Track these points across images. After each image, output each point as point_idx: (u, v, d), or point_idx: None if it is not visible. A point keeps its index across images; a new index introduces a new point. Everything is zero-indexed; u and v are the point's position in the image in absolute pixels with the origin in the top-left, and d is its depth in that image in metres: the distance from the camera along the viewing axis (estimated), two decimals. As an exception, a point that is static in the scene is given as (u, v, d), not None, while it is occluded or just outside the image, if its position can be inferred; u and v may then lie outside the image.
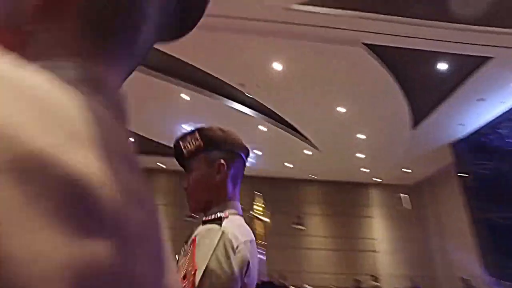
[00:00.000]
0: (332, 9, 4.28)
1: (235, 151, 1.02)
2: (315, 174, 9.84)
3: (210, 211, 0.96)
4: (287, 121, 7.06)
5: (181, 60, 5.39)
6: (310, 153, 8.23)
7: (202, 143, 0.98)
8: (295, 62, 5.32)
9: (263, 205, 5.68)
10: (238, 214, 1.00)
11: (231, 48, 5.05)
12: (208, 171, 0.97)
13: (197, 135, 0.99)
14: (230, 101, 6.54)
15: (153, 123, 7.59)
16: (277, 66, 5.37)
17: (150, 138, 8.37)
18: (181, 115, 7.13)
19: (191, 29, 0.48)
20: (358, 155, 8.28)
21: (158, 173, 10.47)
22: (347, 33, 4.54)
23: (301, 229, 9.63)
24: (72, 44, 0.29)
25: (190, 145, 1.00)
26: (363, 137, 7.39)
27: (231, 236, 0.84)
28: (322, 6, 4.31)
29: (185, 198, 1.03)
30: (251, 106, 6.70)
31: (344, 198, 10.16)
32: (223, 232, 0.85)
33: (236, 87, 6.01)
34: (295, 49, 5.03)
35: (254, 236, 1.04)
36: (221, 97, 6.44)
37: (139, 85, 6.09)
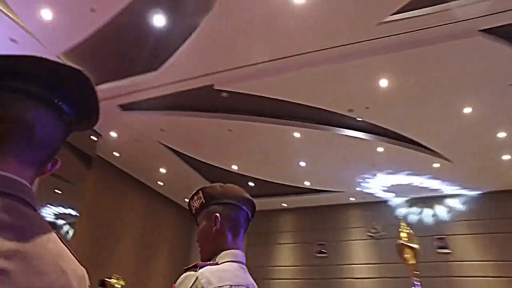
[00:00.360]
0: (431, 7, 4.05)
1: (233, 203, 1.10)
2: (451, 189, 8.69)
3: (212, 260, 1.04)
4: (405, 137, 6.59)
5: (288, 101, 5.72)
6: (438, 165, 7.39)
7: (204, 200, 1.11)
8: (402, 74, 5.06)
9: (408, 230, 5.17)
10: (236, 261, 1.04)
11: (332, 77, 5.14)
12: (208, 224, 1.08)
13: (200, 194, 1.13)
14: (341, 129, 6.50)
15: (272, 166, 8.01)
16: (383, 82, 5.19)
17: (272, 181, 8.79)
18: (296, 153, 7.34)
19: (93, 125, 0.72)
20: (505, 157, 7.06)
21: (284, 213, 10.72)
22: (455, 26, 4.15)
23: (447, 253, 8.43)
24: None
25: (196, 203, 1.14)
26: (504, 135, 6.33)
27: (204, 281, 0.90)
28: (419, 7, 4.11)
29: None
30: (363, 130, 6.52)
31: (498, 211, 8.46)
32: (197, 277, 0.91)
33: (345, 114, 5.98)
34: (400, 61, 4.81)
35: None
36: (330, 127, 6.46)
37: (256, 134, 6.63)
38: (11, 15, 4.38)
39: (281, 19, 4.22)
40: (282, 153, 7.39)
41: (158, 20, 4.47)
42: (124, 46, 4.99)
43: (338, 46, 4.57)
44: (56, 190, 6.40)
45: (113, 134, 7.15)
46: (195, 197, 1.15)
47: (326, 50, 4.63)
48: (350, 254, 9.32)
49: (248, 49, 4.72)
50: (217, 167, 8.14)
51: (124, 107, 6.24)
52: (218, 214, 1.07)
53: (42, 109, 0.60)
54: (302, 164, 7.77)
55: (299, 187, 9.09)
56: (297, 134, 6.58)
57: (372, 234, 9.24)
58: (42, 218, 0.57)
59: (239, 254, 1.07)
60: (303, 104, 5.79)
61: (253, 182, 9.02)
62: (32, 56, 0.58)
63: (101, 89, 5.71)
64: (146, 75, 5.36)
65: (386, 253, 8.70)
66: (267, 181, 8.78)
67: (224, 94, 5.66)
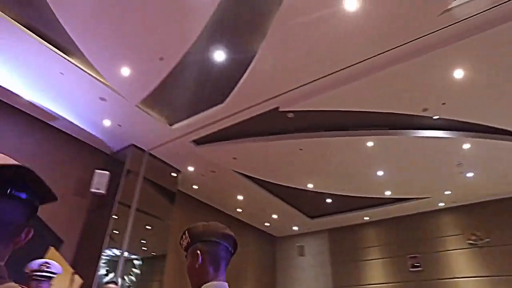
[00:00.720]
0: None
1: (213, 240, 1.25)
2: None
3: None
4: (496, 128, 5.91)
5: (356, 111, 5.57)
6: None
7: (189, 240, 1.26)
8: (479, 60, 4.61)
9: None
10: None
11: (401, 78, 4.90)
12: (192, 260, 1.22)
13: (186, 234, 1.28)
14: (417, 130, 6.09)
15: (348, 180, 7.75)
16: (458, 73, 4.78)
17: (350, 194, 8.48)
18: (372, 162, 7.02)
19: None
20: None
21: (367, 227, 10.21)
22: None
23: None
24: None
25: (184, 242, 1.29)
26: None
27: None
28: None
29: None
30: (443, 128, 6.02)
31: None
32: None
33: (419, 114, 5.61)
34: (473, 47, 4.39)
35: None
36: (405, 130, 6.09)
37: (328, 149, 6.53)
38: (98, 77, 5.05)
39: (336, 30, 4.19)
40: (357, 165, 7.13)
41: (219, 55, 4.76)
42: (190, 85, 5.38)
43: (401, 45, 4.36)
44: (147, 226, 6.94)
45: (190, 168, 7.61)
46: (183, 237, 1.30)
47: (389, 52, 4.45)
48: (451, 266, 8.39)
49: (307, 66, 4.75)
50: (292, 187, 8.13)
51: (197, 142, 6.64)
52: (199, 252, 1.22)
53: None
54: (380, 173, 7.39)
55: (380, 198, 8.62)
56: (370, 143, 6.33)
57: (474, 242, 8.25)
58: (9, 283, 0.77)
59: (220, 285, 1.21)
60: (372, 112, 5.59)
61: (331, 198, 8.80)
62: None
63: (175, 128, 6.19)
64: (214, 109, 5.69)
65: (497, 262, 7.68)
66: (345, 195, 8.49)
67: (290, 115, 5.72)
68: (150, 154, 7.08)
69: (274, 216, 10.04)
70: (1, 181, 0.81)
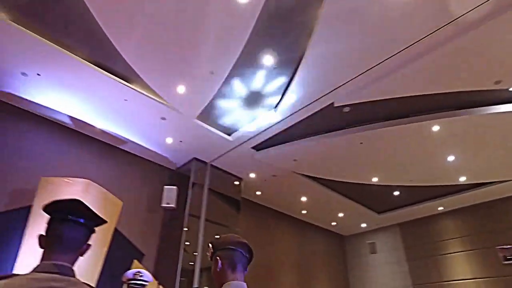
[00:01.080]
0: None
1: (229, 248, 1.52)
2: None
3: None
4: None
5: (417, 95, 5.26)
6: None
7: (212, 250, 1.55)
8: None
9: None
10: None
11: (466, 52, 4.49)
12: (215, 265, 1.49)
13: (210, 246, 1.57)
14: (490, 107, 5.57)
15: (416, 169, 7.32)
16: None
17: (419, 185, 8.01)
18: (440, 148, 6.54)
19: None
20: None
21: (443, 217, 9.53)
22: None
23: None
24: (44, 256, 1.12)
25: (209, 252, 1.57)
26: None
27: None
28: None
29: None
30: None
31: None
32: None
33: (491, 89, 5.13)
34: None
35: None
36: (475, 108, 5.60)
37: (390, 140, 6.24)
38: (158, 99, 5.37)
39: (386, 9, 3.99)
40: (424, 152, 6.69)
41: (267, 60, 4.79)
42: (243, 93, 5.48)
43: (464, 14, 3.98)
44: (216, 236, 7.14)
45: (252, 175, 7.73)
46: (209, 248, 1.58)
47: (451, 24, 4.09)
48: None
49: (360, 56, 4.59)
50: (356, 183, 7.88)
51: (256, 148, 6.73)
52: (218, 258, 1.50)
53: (65, 225, 1.14)
54: (451, 158, 6.86)
55: (454, 185, 8.00)
56: (435, 128, 5.92)
57: None
58: (78, 280, 1.09)
59: (237, 283, 1.43)
60: (435, 94, 5.23)
61: (398, 191, 8.37)
62: (56, 200, 1.15)
63: (233, 137, 6.34)
64: (269, 112, 5.74)
65: None
66: (414, 186, 8.03)
67: (346, 109, 5.57)
68: (212, 165, 7.33)
69: (340, 215, 9.79)
70: (63, 210, 1.14)
